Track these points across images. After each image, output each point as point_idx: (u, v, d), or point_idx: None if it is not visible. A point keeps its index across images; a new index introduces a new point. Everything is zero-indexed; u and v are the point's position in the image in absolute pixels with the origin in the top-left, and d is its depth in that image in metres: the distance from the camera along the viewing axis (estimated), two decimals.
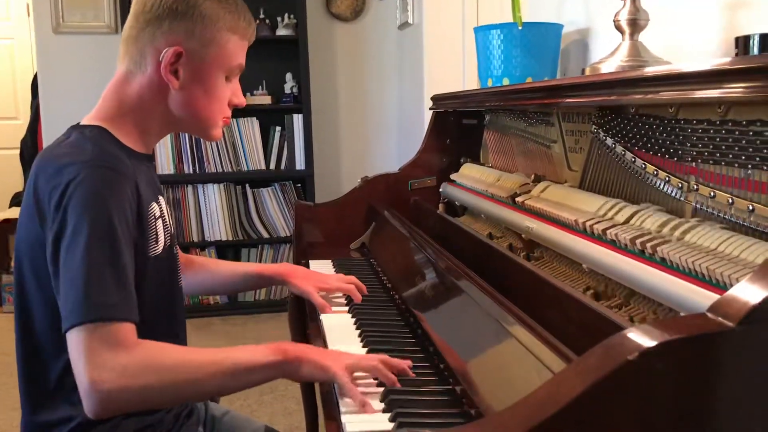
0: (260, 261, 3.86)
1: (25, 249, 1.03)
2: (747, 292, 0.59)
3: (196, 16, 1.06)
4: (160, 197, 1.14)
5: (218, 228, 3.80)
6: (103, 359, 0.87)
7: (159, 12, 1.06)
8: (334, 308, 1.37)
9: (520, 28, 1.79)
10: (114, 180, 0.98)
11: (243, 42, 1.14)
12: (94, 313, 0.89)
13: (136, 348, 0.91)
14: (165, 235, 1.11)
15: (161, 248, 1.09)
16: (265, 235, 3.84)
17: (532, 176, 1.49)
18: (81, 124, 1.10)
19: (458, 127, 2.01)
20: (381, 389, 0.96)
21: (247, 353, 0.97)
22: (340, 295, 1.44)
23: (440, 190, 1.97)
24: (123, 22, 3.48)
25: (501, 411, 0.59)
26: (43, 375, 1.04)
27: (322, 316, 1.33)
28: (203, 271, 1.43)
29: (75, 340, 0.89)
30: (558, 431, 0.55)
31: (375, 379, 0.99)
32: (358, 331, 1.24)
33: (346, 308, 1.37)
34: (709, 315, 0.59)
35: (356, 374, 0.99)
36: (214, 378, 0.94)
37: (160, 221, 1.10)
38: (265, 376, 0.97)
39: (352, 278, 1.45)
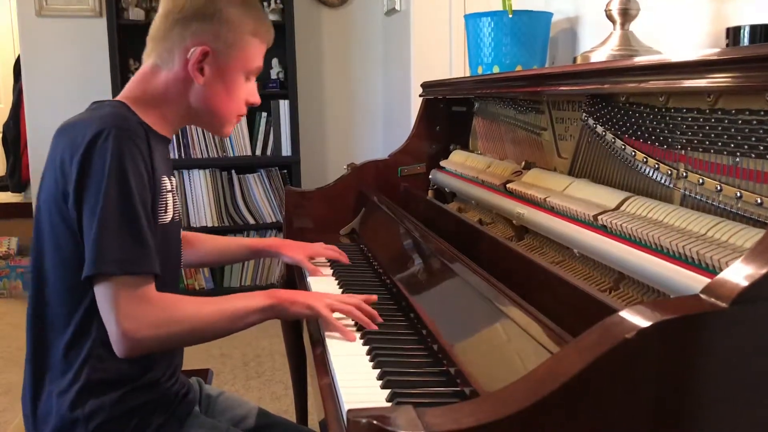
0: None
1: (45, 209, 1.08)
2: (738, 275, 0.61)
3: (223, 19, 1.15)
4: (172, 177, 1.21)
5: (204, 213, 3.79)
6: (132, 313, 1.00)
7: (187, 13, 1.14)
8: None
9: (510, 16, 1.81)
10: (131, 141, 1.05)
11: (263, 45, 1.22)
12: (118, 268, 1.00)
13: (159, 302, 1.03)
14: (174, 209, 1.18)
15: (169, 218, 1.16)
16: (251, 221, 3.84)
17: (522, 163, 1.51)
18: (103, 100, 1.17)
19: (448, 114, 2.03)
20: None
21: (245, 300, 1.12)
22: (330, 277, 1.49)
23: (430, 176, 1.99)
24: (107, 6, 3.48)
25: (501, 388, 0.61)
26: (51, 341, 1.09)
27: None
28: (198, 242, 1.51)
29: (104, 293, 1.01)
30: (558, 407, 0.57)
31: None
32: None
33: (339, 288, 1.39)
34: (703, 296, 0.61)
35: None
36: (219, 324, 1.09)
37: (170, 195, 1.16)
38: (260, 317, 1.12)
39: (334, 247, 1.61)
